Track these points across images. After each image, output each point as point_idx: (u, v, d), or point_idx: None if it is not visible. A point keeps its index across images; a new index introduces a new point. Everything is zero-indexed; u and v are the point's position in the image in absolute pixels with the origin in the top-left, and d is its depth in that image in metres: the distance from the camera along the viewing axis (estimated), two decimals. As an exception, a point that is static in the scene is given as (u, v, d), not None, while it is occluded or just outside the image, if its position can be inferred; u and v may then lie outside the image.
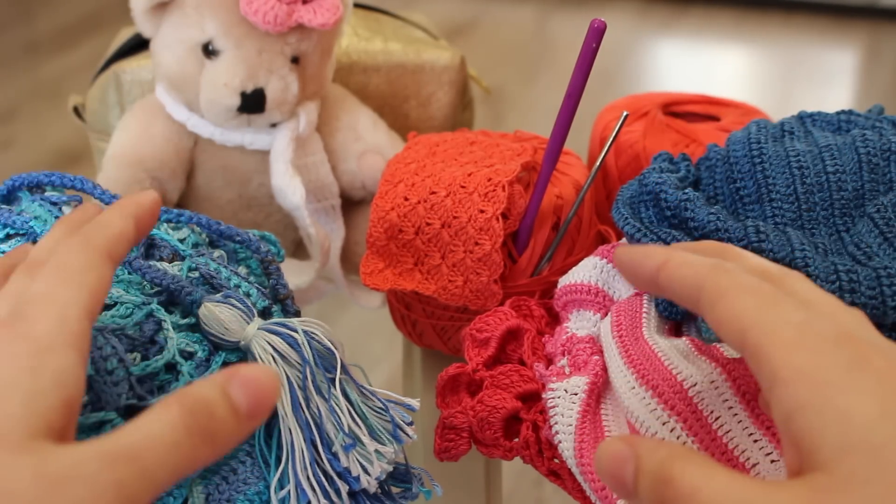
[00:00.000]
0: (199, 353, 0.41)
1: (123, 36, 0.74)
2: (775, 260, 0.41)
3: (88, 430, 0.36)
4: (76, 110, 0.72)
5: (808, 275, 0.41)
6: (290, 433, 0.40)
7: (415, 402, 0.43)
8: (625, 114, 0.54)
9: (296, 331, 0.41)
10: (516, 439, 0.45)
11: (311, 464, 0.39)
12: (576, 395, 0.43)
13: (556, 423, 0.43)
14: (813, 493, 0.27)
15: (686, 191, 0.46)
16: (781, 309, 0.31)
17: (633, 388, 0.41)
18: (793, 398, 0.29)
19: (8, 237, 0.45)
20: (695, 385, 0.40)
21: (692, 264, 0.34)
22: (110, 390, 0.37)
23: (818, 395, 0.28)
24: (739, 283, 0.32)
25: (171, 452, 0.29)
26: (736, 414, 0.40)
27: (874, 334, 0.31)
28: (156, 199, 0.38)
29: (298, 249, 0.69)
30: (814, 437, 0.28)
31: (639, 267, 0.37)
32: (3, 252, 0.44)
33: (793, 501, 0.27)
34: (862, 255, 0.43)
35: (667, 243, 0.44)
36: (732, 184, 0.47)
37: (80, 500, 0.27)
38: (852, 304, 0.40)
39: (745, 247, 0.42)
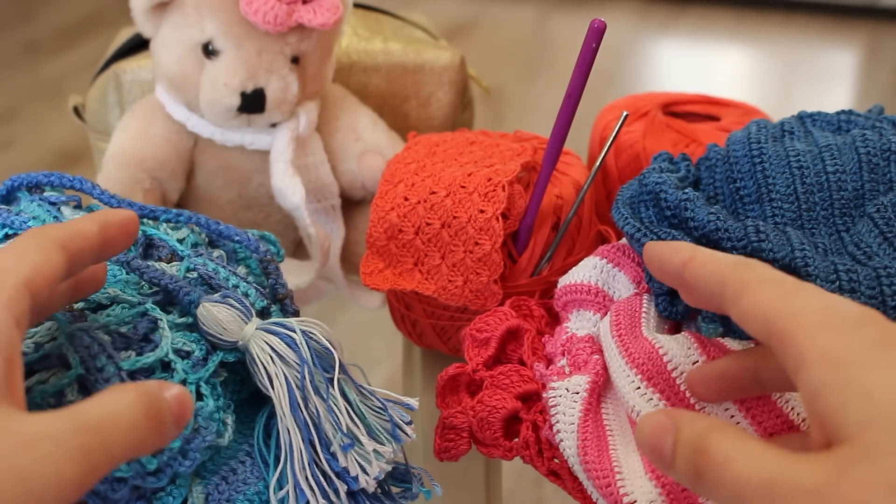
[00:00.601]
0: (197, 353, 0.41)
1: (123, 36, 0.74)
2: (774, 259, 0.41)
3: None
4: (76, 110, 0.72)
5: (808, 274, 0.41)
6: (289, 433, 0.40)
7: (413, 402, 0.42)
8: (625, 114, 0.54)
9: (294, 331, 0.41)
10: (516, 439, 0.45)
11: (309, 464, 0.39)
12: (577, 394, 0.43)
13: (557, 422, 0.43)
14: (837, 464, 0.28)
15: (686, 191, 0.45)
16: (805, 296, 0.32)
17: (639, 388, 0.41)
18: (819, 377, 0.30)
19: (7, 237, 0.45)
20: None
21: (716, 260, 0.36)
22: (103, 387, 0.37)
23: (843, 374, 0.29)
24: (763, 275, 0.34)
25: (129, 430, 0.31)
26: (733, 416, 0.40)
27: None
28: (131, 217, 0.39)
29: (298, 249, 0.69)
30: (839, 412, 0.29)
31: (665, 262, 0.38)
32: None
33: (818, 472, 0.28)
34: (862, 254, 0.43)
35: None
36: (732, 183, 0.47)
37: (51, 459, 0.28)
38: None
39: (744, 247, 0.42)
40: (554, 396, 0.44)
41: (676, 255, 0.38)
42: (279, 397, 0.40)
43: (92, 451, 0.29)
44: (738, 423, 0.40)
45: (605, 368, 0.44)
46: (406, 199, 0.54)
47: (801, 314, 0.31)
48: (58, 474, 0.28)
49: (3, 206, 0.46)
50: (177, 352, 0.40)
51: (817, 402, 0.30)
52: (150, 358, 0.39)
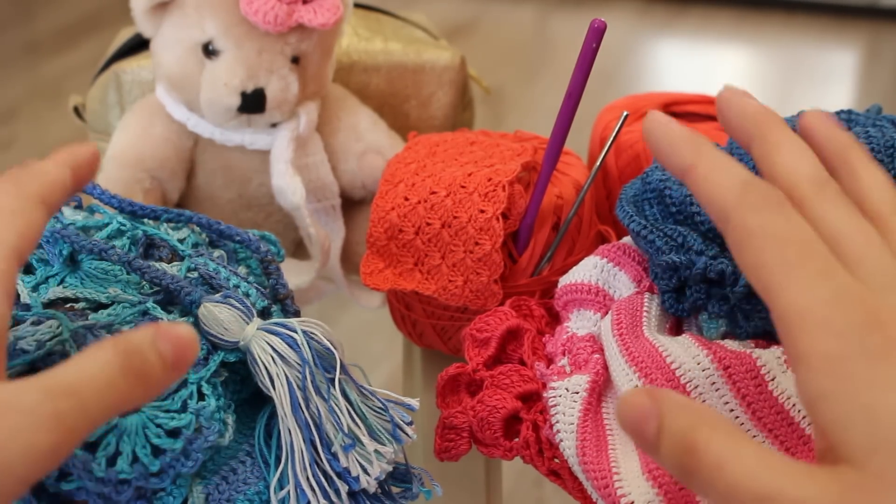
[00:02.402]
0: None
1: (123, 36, 0.74)
2: None
3: None
4: (76, 110, 0.72)
5: None
6: (290, 433, 0.40)
7: (414, 402, 0.42)
8: (625, 114, 0.54)
9: (295, 331, 0.41)
10: (516, 439, 0.45)
11: (310, 464, 0.39)
12: (577, 393, 0.43)
13: (557, 421, 0.43)
14: (844, 489, 0.27)
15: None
16: (809, 277, 0.29)
17: (637, 386, 0.41)
18: (818, 385, 0.28)
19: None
20: (697, 387, 0.40)
21: (719, 182, 0.32)
22: None
23: (843, 387, 0.28)
24: (768, 225, 0.30)
25: (107, 389, 0.30)
26: (738, 416, 0.40)
27: None
28: (94, 152, 0.37)
29: (298, 249, 0.69)
30: (840, 429, 0.27)
31: (667, 157, 0.34)
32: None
33: (822, 495, 0.27)
34: None
35: (674, 240, 0.44)
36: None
37: (19, 429, 0.27)
38: None
39: None
40: (554, 396, 0.44)
41: (677, 156, 0.33)
42: (280, 397, 0.40)
43: (67, 417, 0.28)
44: (737, 417, 0.40)
45: (606, 368, 0.44)
46: (406, 199, 0.54)
47: (802, 306, 0.29)
48: (30, 444, 0.27)
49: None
50: (178, 351, 0.40)
51: (817, 410, 0.28)
52: (150, 358, 0.39)
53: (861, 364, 0.28)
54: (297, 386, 0.40)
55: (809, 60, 2.38)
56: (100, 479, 0.35)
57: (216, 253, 0.48)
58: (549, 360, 0.47)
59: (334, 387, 0.40)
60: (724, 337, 0.44)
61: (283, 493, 0.40)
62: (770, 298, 0.30)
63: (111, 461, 0.36)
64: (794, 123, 0.49)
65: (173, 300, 0.43)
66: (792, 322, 0.29)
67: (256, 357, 0.41)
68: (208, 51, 0.59)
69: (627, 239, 0.50)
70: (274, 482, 0.40)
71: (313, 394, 0.40)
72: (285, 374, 0.40)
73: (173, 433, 0.38)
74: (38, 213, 0.34)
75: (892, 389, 0.27)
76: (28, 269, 0.44)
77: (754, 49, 2.47)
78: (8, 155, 1.91)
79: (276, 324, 0.41)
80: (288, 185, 0.61)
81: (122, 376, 0.30)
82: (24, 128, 2.01)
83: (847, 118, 0.49)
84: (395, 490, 0.42)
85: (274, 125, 0.61)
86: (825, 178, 0.33)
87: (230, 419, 0.40)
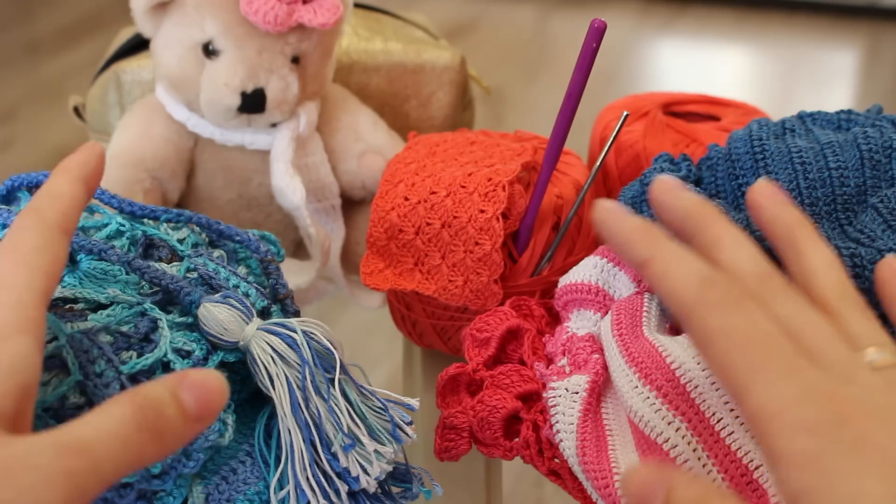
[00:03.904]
0: (197, 352, 0.41)
1: (123, 36, 0.74)
2: None
3: None
4: (76, 110, 0.72)
5: None
6: (290, 433, 0.40)
7: (414, 402, 0.42)
8: (625, 114, 0.54)
9: (294, 331, 0.41)
10: (516, 439, 0.45)
11: (310, 464, 0.39)
12: (577, 393, 0.43)
13: (557, 421, 0.43)
14: None
15: (686, 185, 0.45)
16: (776, 377, 0.30)
17: (637, 387, 0.41)
18: (799, 482, 0.29)
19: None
20: (697, 387, 0.40)
21: (677, 277, 0.32)
22: (102, 392, 0.37)
23: (824, 481, 0.28)
24: (729, 326, 0.31)
25: (120, 447, 0.29)
26: (738, 416, 0.40)
27: (870, 385, 0.31)
28: (100, 153, 0.36)
29: (298, 249, 0.69)
30: None
31: (622, 250, 0.35)
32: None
33: None
34: (866, 238, 0.43)
35: None
36: (734, 180, 0.47)
37: (30, 488, 0.27)
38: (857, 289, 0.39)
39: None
40: (554, 396, 0.44)
41: (634, 249, 0.34)
42: (280, 397, 0.40)
43: (78, 475, 0.28)
44: (737, 417, 0.40)
45: (606, 368, 0.44)
46: (406, 198, 0.54)
47: (774, 407, 0.30)
48: (39, 503, 0.27)
49: (3, 206, 0.46)
50: (177, 351, 0.40)
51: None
52: (148, 360, 0.39)
53: (838, 458, 0.29)
54: (297, 386, 0.40)
55: (809, 60, 2.38)
56: (101, 485, 0.35)
57: (216, 253, 0.48)
58: (549, 360, 0.47)
59: (334, 387, 0.40)
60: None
61: (283, 493, 0.40)
62: (739, 399, 0.30)
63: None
64: (794, 123, 0.50)
65: (173, 300, 0.43)
66: (765, 423, 0.30)
67: (256, 357, 0.41)
68: (208, 51, 0.59)
69: (627, 239, 0.50)
70: (274, 482, 0.40)
71: (313, 394, 0.40)
72: (285, 374, 0.40)
73: (173, 434, 0.38)
74: (62, 246, 0.34)
75: (871, 478, 0.28)
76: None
77: (754, 49, 2.47)
78: (8, 155, 1.91)
79: (276, 324, 0.41)
80: (288, 185, 0.61)
81: (136, 433, 0.29)
82: (24, 128, 2.01)
83: (847, 118, 0.49)
84: (395, 490, 0.42)
85: (274, 125, 0.61)
86: (768, 273, 0.34)
87: (230, 419, 0.40)
